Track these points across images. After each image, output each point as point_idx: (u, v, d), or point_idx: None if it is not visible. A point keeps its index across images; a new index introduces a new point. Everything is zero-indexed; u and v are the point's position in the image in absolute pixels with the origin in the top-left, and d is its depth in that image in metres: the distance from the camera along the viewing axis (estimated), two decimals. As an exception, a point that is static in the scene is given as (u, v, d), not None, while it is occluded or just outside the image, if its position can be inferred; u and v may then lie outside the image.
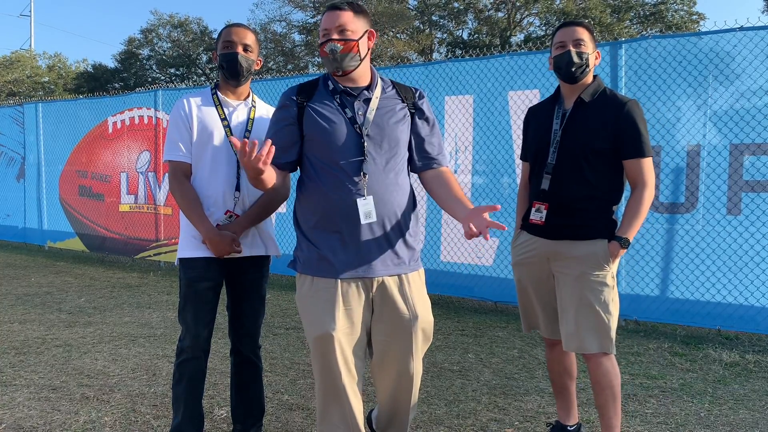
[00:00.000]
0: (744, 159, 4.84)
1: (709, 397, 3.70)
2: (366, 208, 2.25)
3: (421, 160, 2.44)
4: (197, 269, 2.63)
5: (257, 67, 2.72)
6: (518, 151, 5.89)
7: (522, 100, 5.84)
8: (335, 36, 2.24)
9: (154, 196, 8.80)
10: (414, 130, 2.41)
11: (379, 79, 2.39)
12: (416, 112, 2.41)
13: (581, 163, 2.60)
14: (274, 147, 2.06)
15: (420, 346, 2.36)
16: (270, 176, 2.20)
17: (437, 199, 2.41)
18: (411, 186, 2.44)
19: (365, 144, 2.27)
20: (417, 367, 2.38)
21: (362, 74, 2.35)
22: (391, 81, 2.44)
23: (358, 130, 2.28)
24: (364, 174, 2.25)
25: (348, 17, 2.25)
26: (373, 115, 2.31)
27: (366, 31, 2.31)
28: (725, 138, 4.91)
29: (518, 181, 5.90)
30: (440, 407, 3.49)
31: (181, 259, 2.67)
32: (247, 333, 2.78)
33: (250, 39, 2.66)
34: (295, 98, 2.34)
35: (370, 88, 2.35)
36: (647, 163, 2.60)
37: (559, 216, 2.65)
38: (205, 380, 2.73)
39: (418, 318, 2.33)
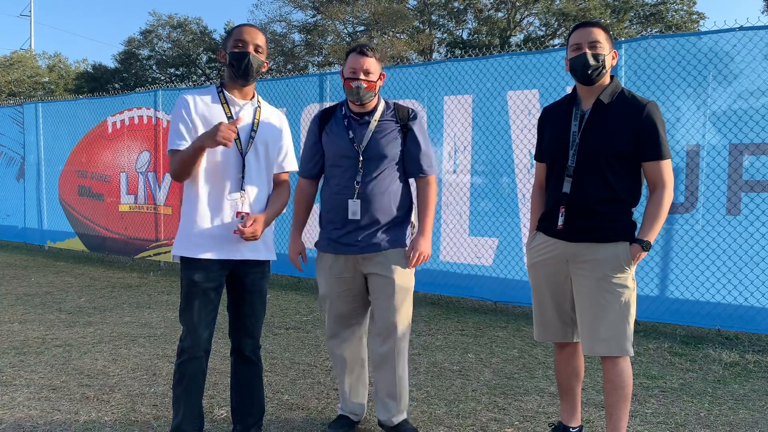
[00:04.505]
0: (744, 159, 4.85)
1: (709, 397, 3.71)
2: (353, 207, 2.90)
3: (409, 169, 3.02)
4: (199, 269, 2.62)
5: (265, 69, 2.72)
6: (517, 151, 5.89)
7: (521, 100, 5.85)
8: (362, 77, 2.84)
9: (154, 196, 8.80)
10: (405, 145, 2.98)
11: (383, 103, 2.99)
12: (408, 131, 2.98)
13: (602, 165, 2.59)
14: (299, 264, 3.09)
15: (400, 302, 2.97)
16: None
17: (417, 191, 3.05)
18: (407, 188, 3.04)
19: (361, 159, 2.90)
20: (400, 318, 2.98)
21: (372, 102, 2.96)
22: (394, 103, 3.03)
23: (356, 147, 2.90)
24: (357, 182, 2.90)
25: (372, 63, 2.87)
26: (370, 136, 2.91)
27: (380, 73, 2.93)
28: (725, 138, 4.91)
29: (516, 180, 5.94)
30: (440, 407, 3.49)
31: (182, 259, 2.67)
32: (247, 333, 2.78)
33: (261, 40, 2.66)
34: (318, 122, 3.02)
35: (371, 113, 2.95)
36: (666, 165, 2.59)
37: (581, 218, 2.63)
38: (205, 380, 2.73)
39: (396, 285, 2.95)
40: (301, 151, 3.06)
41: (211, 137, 2.46)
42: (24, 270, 8.39)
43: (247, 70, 2.63)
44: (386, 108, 2.99)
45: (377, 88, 2.92)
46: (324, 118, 3.01)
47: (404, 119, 2.97)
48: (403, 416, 3.10)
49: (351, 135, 2.91)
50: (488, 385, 3.88)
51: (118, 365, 4.19)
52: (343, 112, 2.97)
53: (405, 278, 2.99)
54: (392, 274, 2.95)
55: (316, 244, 3.10)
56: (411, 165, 2.99)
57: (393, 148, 2.93)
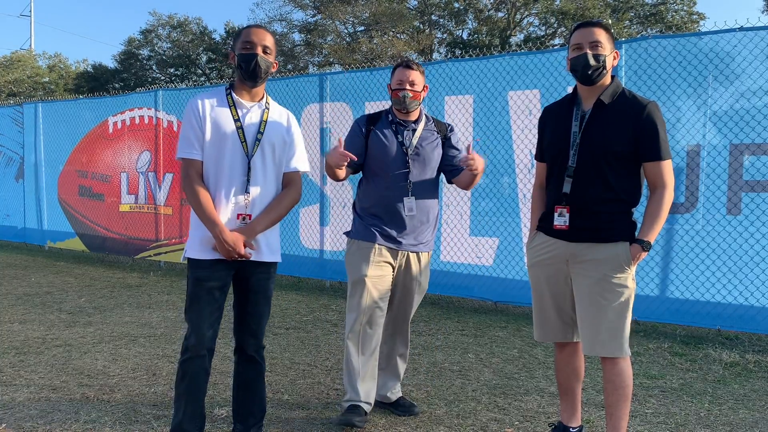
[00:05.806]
0: (744, 159, 4.85)
1: (709, 397, 3.71)
2: (409, 204, 3.18)
3: (451, 172, 3.34)
4: (205, 268, 2.63)
5: (274, 69, 2.73)
6: (518, 151, 5.90)
7: (522, 100, 5.85)
8: (408, 87, 3.17)
9: (154, 196, 8.80)
10: (444, 152, 3.34)
11: (424, 115, 3.34)
12: (446, 141, 3.36)
13: (602, 165, 2.59)
14: (350, 154, 2.98)
15: (417, 301, 3.42)
16: (343, 171, 3.11)
17: (461, 181, 3.28)
18: (438, 194, 3.37)
19: (409, 161, 3.21)
20: (412, 311, 3.43)
21: (415, 112, 3.29)
22: (432, 117, 3.41)
23: (405, 150, 3.23)
24: (410, 181, 3.20)
25: (417, 75, 3.21)
26: (416, 141, 3.25)
27: (424, 85, 3.25)
28: (725, 138, 4.91)
29: (517, 180, 5.94)
30: (440, 407, 3.49)
31: (189, 259, 2.68)
32: (250, 333, 2.79)
33: (269, 41, 2.67)
34: (366, 124, 3.30)
35: (417, 121, 3.30)
36: (667, 165, 2.59)
37: (581, 218, 2.63)
38: (208, 379, 2.73)
39: (420, 285, 3.37)
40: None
41: (219, 245, 2.58)
42: (24, 270, 8.39)
43: (255, 72, 2.64)
44: (427, 119, 3.35)
45: (421, 99, 3.25)
46: (371, 122, 3.31)
47: (443, 132, 3.35)
48: (400, 393, 3.47)
49: (400, 139, 3.23)
50: (488, 385, 3.88)
51: (118, 365, 4.19)
52: (390, 118, 3.29)
53: (427, 281, 3.41)
54: (421, 276, 3.34)
55: (350, 234, 3.32)
56: (451, 168, 3.33)
57: (436, 153, 3.29)
